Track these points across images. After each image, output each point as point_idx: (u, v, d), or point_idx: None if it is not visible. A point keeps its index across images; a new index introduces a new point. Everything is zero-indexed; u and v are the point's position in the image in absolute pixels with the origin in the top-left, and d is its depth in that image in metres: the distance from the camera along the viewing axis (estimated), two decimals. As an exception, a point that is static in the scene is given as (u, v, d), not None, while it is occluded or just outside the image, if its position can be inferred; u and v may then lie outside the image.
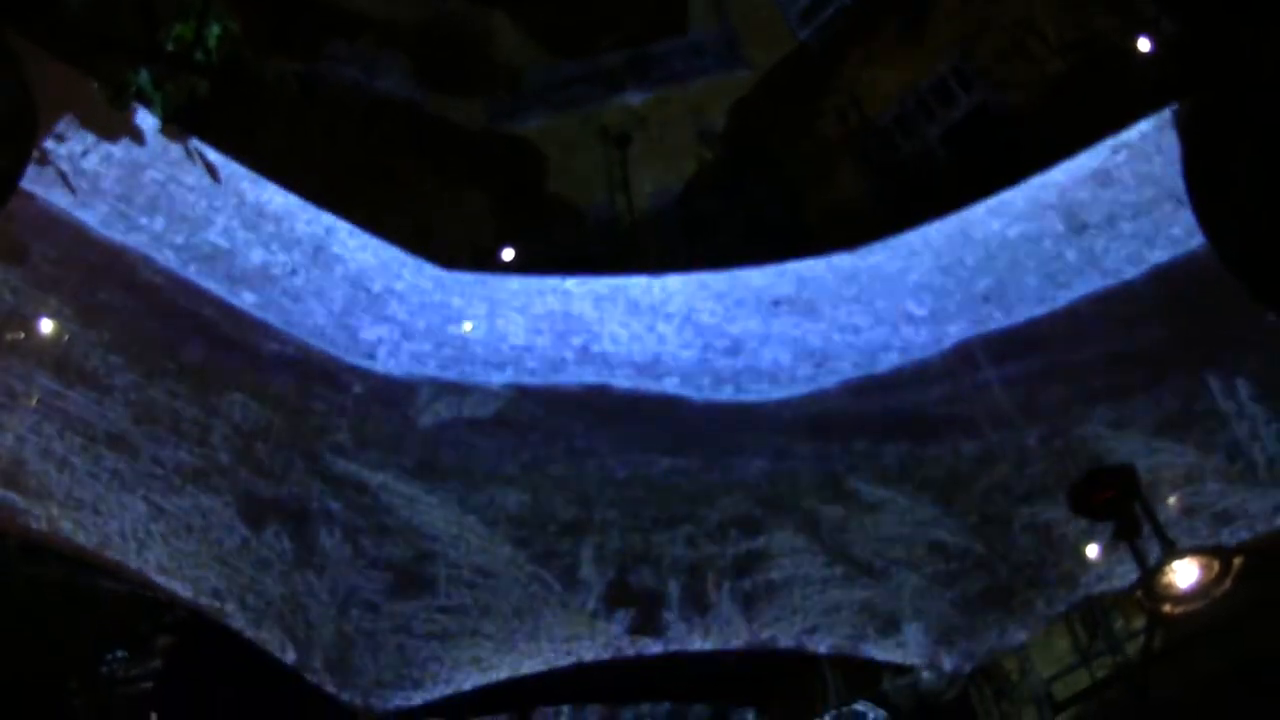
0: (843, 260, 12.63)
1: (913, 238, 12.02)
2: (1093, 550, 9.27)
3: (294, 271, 10.50)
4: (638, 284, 12.14)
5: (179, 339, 9.45)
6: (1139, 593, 7.43)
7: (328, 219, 11.33)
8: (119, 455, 8.36)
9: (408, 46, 15.88)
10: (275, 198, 10.79)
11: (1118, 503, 8.12)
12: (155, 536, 8.15)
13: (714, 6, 17.66)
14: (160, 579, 8.06)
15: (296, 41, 14.99)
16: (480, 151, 16.47)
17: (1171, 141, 10.58)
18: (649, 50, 17.42)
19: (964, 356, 10.97)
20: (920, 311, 11.31)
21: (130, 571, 7.96)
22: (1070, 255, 11.05)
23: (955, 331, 11.18)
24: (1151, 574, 7.29)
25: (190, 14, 8.82)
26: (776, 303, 11.55)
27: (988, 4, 14.22)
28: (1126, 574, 8.62)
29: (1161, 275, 10.72)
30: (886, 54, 15.36)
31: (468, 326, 11.72)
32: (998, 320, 11.05)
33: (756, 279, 12.48)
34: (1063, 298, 10.95)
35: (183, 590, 8.16)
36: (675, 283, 12.59)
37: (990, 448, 10.34)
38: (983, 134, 14.28)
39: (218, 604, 8.31)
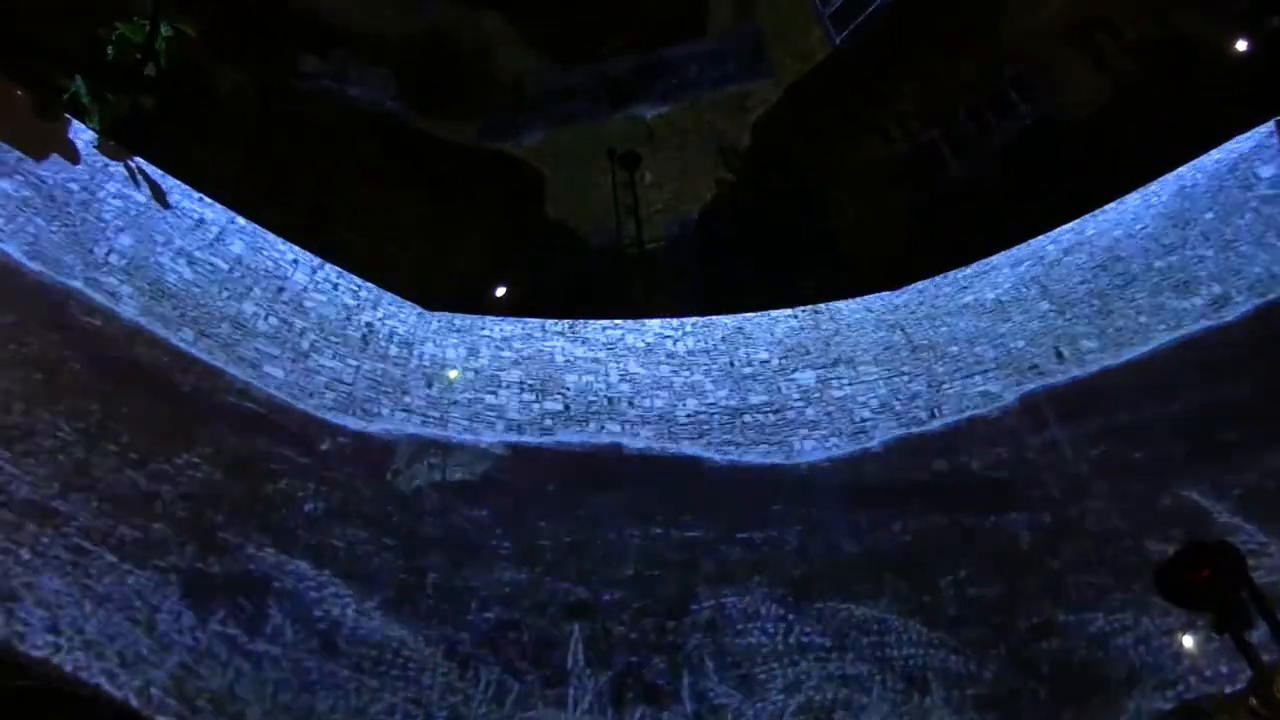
0: (885, 301, 12.42)
1: (967, 274, 11.76)
2: (1189, 643, 8.82)
3: (257, 312, 10.28)
4: (650, 327, 11.90)
5: (119, 390, 9.15)
6: (1251, 700, 6.94)
7: (295, 251, 11.16)
8: (41, 528, 8.00)
9: (394, 58, 15.94)
10: (234, 225, 10.60)
11: (1218, 586, 7.67)
12: (79, 624, 7.77)
13: (737, 5, 17.82)
14: (83, 674, 7.65)
15: (267, 53, 15.01)
16: (470, 172, 16.37)
17: (1267, 163, 10.32)
18: (662, 56, 17.54)
19: (1028, 413, 10.58)
20: (977, 361, 10.99)
21: (49, 666, 7.53)
22: (1148, 297, 10.74)
23: (1018, 384, 10.84)
24: (1267, 675, 6.82)
25: (138, 13, 8.60)
26: (809, 350, 11.27)
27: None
28: (1233, 674, 8.14)
29: (1255, 319, 10.37)
30: (934, 60, 15.16)
31: (454, 375, 11.41)
32: (1067, 372, 10.73)
33: (787, 322, 12.23)
34: (1141, 345, 10.62)
35: (109, 686, 7.75)
36: (693, 325, 12.37)
37: (1060, 520, 9.94)
38: (1046, 150, 14.03)
39: (149, 701, 7.86)
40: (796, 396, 10.87)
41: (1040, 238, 11.06)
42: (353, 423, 10.17)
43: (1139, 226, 10.63)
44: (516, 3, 16.58)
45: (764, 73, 16.75)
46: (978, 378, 10.80)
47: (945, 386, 10.67)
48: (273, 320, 9.99)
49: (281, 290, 10.17)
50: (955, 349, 10.65)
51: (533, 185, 16.75)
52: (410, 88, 16.13)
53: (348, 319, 10.45)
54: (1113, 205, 10.79)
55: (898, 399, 10.51)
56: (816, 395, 10.81)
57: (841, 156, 15.88)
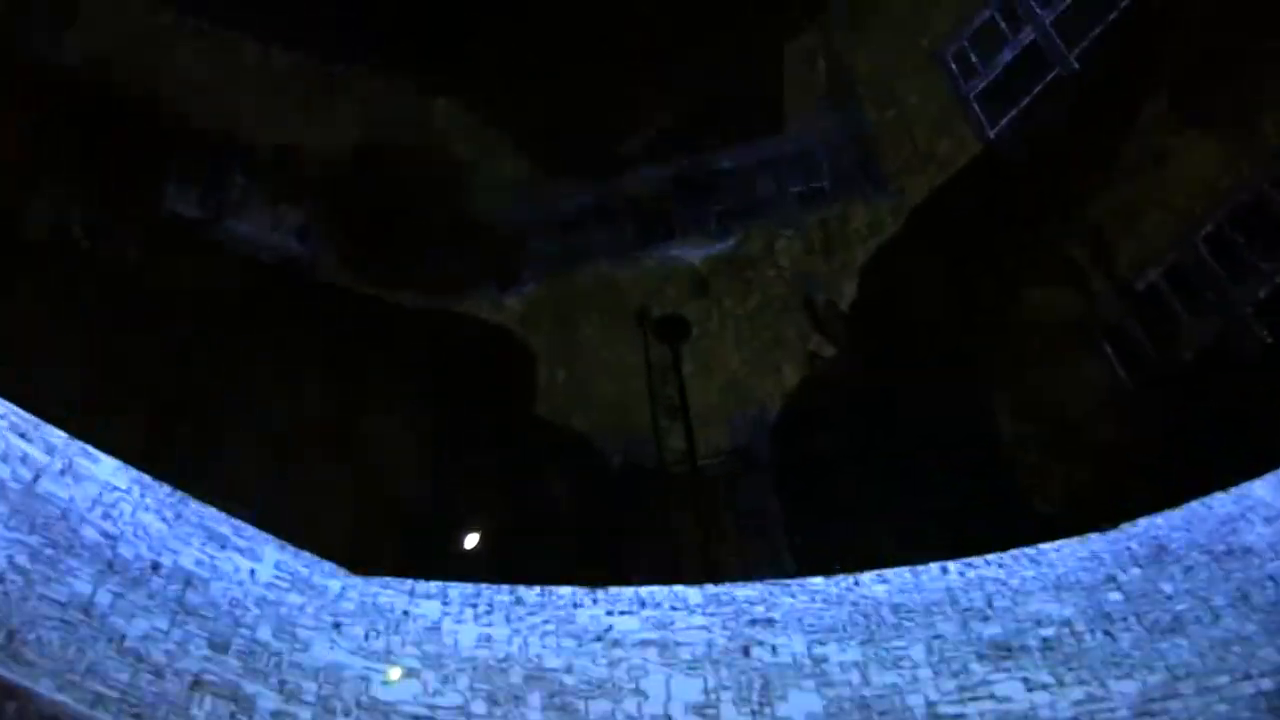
0: (1088, 548, 11.70)
1: (1217, 511, 11.16)
2: None
3: (110, 590, 9.79)
4: (718, 601, 11.45)
5: None
6: None
7: (160, 491, 10.89)
8: None
9: (303, 180, 16.18)
10: (62, 448, 10.33)
11: None
12: None
13: (831, 83, 17.94)
14: None
15: (107, 176, 15.14)
16: (418, 347, 16.33)
17: None
18: (716, 162, 17.80)
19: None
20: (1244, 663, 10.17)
21: None
22: None
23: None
24: None
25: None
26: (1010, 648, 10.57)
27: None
28: None
29: None
30: (1149, 157, 14.75)
31: (394, 675, 10.97)
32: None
33: (922, 593, 11.60)
34: None
35: None
36: (778, 598, 11.69)
37: None
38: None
39: None
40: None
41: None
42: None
43: None
44: (481, 81, 16.48)
45: (876, 187, 16.69)
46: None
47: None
48: (140, 586, 9.70)
49: (144, 540, 10.03)
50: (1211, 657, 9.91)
51: (518, 367, 16.72)
52: (326, 221, 15.97)
53: (233, 590, 10.66)
54: None
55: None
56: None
57: (1000, 315, 15.57)
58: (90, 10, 15.93)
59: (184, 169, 16.40)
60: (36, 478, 10.65)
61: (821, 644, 11.67)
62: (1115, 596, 11.39)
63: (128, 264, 15.53)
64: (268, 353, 15.26)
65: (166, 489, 11.60)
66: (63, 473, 10.95)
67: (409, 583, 11.98)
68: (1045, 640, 11.23)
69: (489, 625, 11.56)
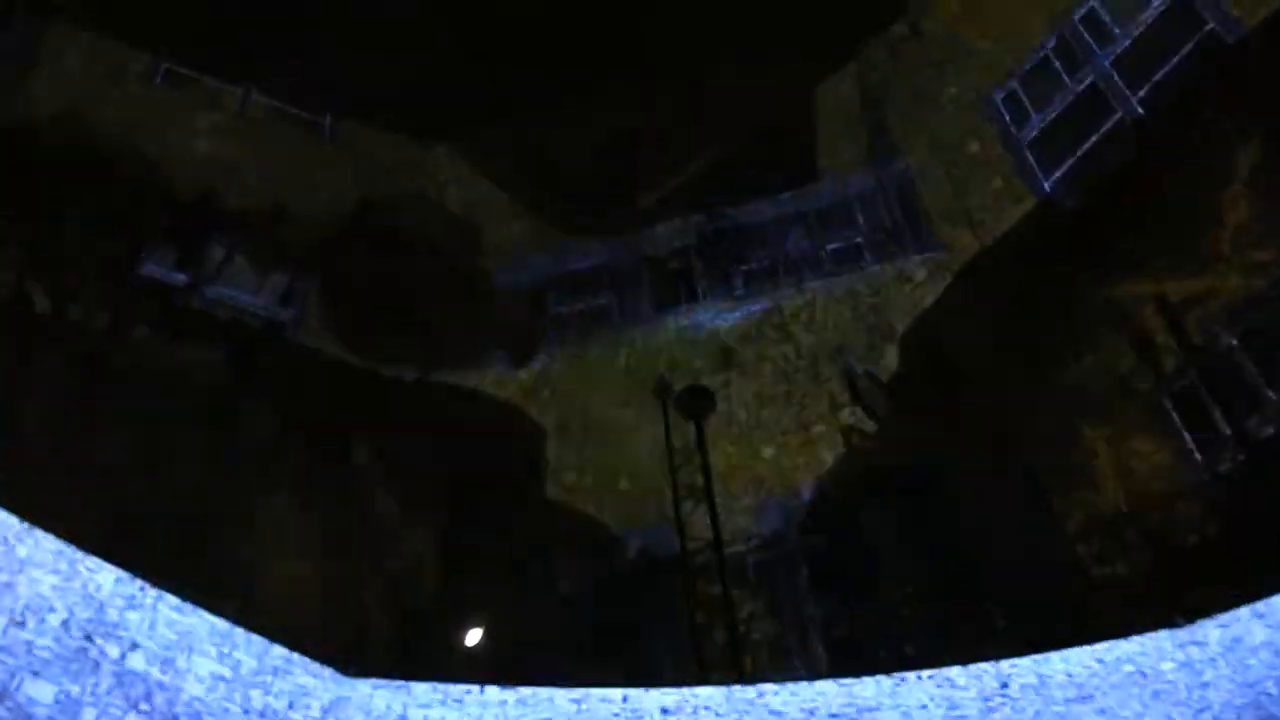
0: (1155, 643, 11.29)
1: None
2: None
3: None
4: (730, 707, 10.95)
5: None
6: None
7: (134, 585, 10.42)
8: None
9: (301, 247, 16.22)
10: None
11: None
12: None
13: (871, 129, 18.09)
14: None
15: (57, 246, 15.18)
16: (413, 424, 16.32)
17: None
18: (742, 216, 17.92)
19: None
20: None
21: None
22: None
23: None
24: None
25: None
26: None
27: None
28: None
29: None
30: (1239, 217, 14.40)
31: None
32: None
33: (976, 697, 11.11)
34: None
35: None
36: (813, 700, 11.33)
37: None
38: None
39: None
40: None
41: None
42: None
43: None
44: (484, 125, 16.47)
45: (919, 244, 16.82)
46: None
47: None
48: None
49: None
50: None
51: (525, 445, 16.74)
52: (315, 285, 15.94)
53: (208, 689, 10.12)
54: None
55: None
56: None
57: (1056, 384, 15.44)
58: (54, 55, 15.99)
59: (160, 229, 16.38)
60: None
61: (863, 752, 11.56)
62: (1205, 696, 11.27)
63: (96, 333, 15.48)
64: (250, 429, 15.18)
65: (138, 582, 11.55)
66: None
67: (405, 684, 11.87)
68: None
69: (493, 731, 11.44)
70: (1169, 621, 11.89)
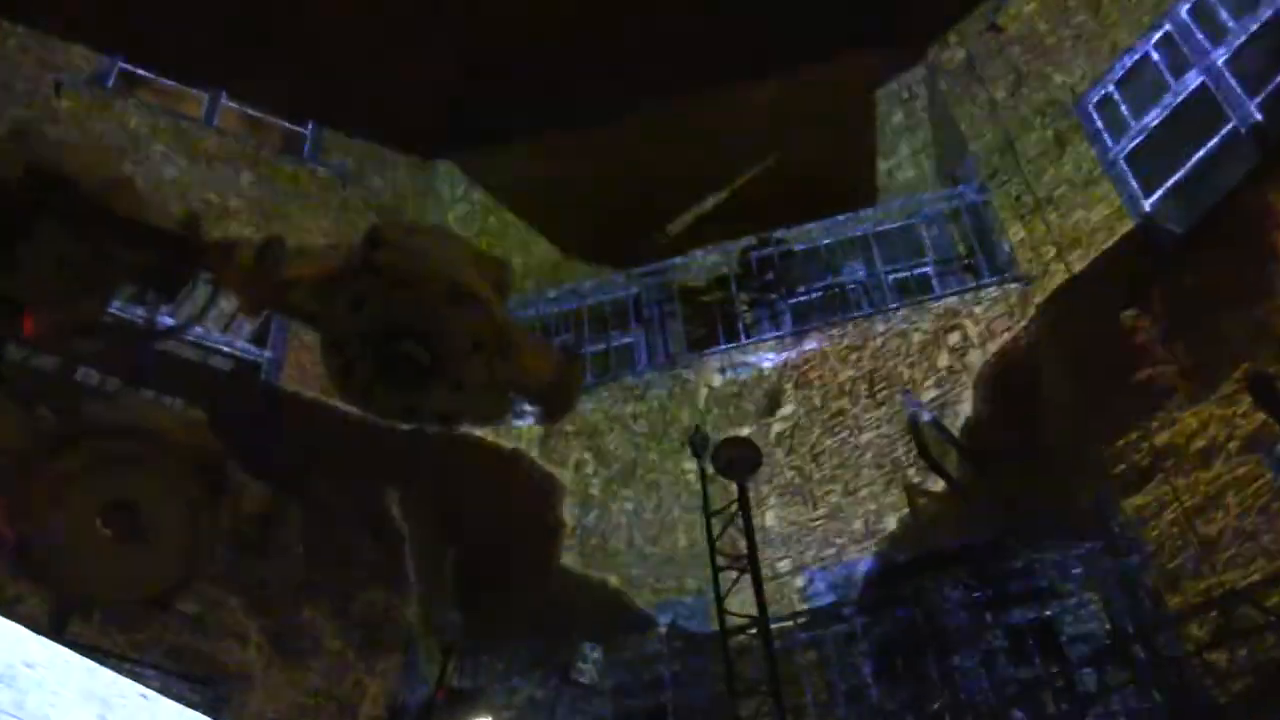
0: None
1: None
2: None
3: None
4: None
5: None
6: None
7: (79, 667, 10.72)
8: None
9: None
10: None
11: None
12: None
13: (937, 137, 18.08)
14: None
15: None
16: (415, 480, 16.17)
17: None
18: (789, 241, 17.81)
19: None
20: None
21: None
22: None
23: None
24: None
25: None
26: None
27: None
28: None
29: None
30: None
31: None
32: None
33: None
34: None
35: None
36: None
37: None
38: None
39: None
40: None
41: None
42: None
43: None
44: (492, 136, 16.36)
45: (996, 273, 16.60)
46: None
47: None
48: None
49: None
50: None
51: (537, 504, 16.61)
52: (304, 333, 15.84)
53: None
54: None
55: None
56: None
57: (1157, 438, 14.95)
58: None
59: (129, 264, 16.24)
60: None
61: None
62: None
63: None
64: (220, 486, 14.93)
65: (88, 663, 11.49)
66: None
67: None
68: None
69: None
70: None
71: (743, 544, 15.04)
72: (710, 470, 15.37)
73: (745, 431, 16.21)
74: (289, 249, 5.99)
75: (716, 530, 14.98)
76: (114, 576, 5.63)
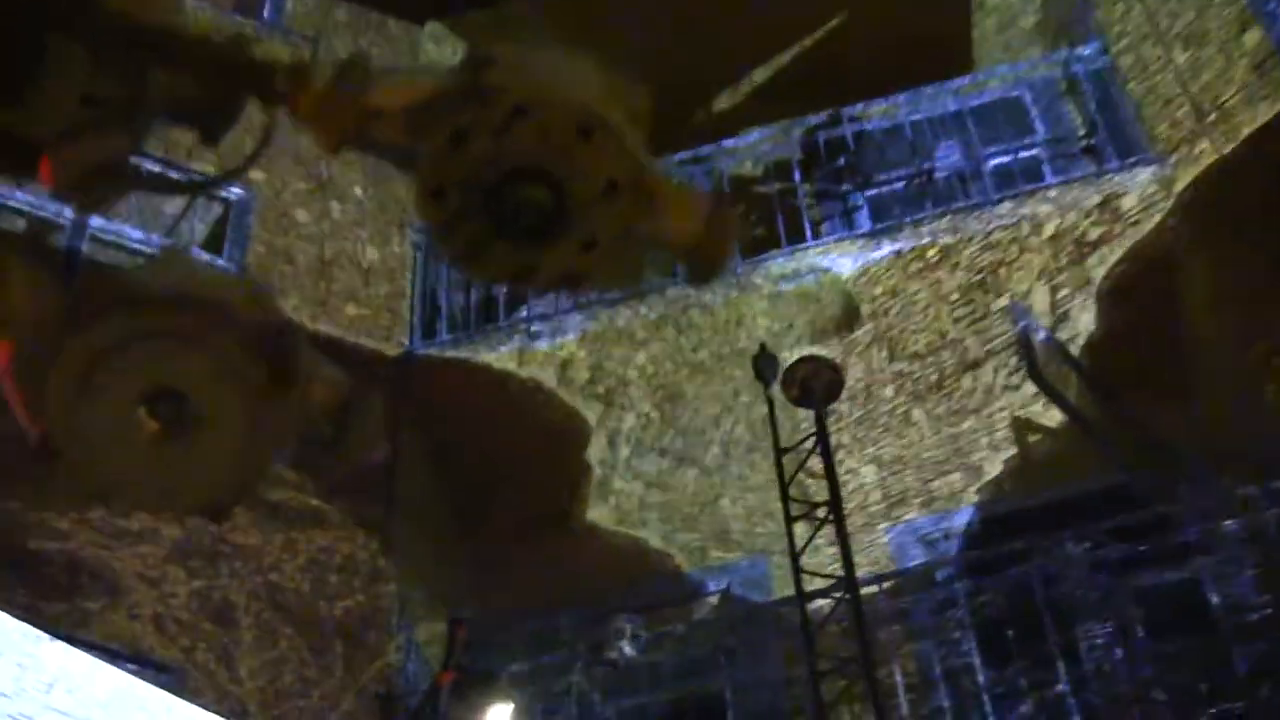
0: None
1: None
2: None
3: None
4: None
5: None
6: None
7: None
8: None
9: None
10: None
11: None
12: None
13: None
14: None
15: None
16: (403, 420, 15.99)
17: None
18: (865, 118, 17.74)
19: None
20: None
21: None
22: None
23: None
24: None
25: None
26: None
27: None
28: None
29: None
30: None
31: None
32: None
33: None
34: None
35: None
36: None
37: None
38: None
39: None
40: None
41: None
42: None
43: None
44: None
45: (1125, 158, 16.31)
46: None
47: None
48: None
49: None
50: None
51: (557, 445, 16.57)
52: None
53: None
54: None
55: None
56: None
57: None
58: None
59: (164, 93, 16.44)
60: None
61: None
62: None
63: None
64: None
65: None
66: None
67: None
68: None
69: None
70: None
71: (815, 490, 14.88)
72: (779, 398, 15.20)
73: (822, 350, 15.93)
74: (374, 70, 5.60)
75: (788, 472, 14.78)
76: (157, 482, 5.31)
